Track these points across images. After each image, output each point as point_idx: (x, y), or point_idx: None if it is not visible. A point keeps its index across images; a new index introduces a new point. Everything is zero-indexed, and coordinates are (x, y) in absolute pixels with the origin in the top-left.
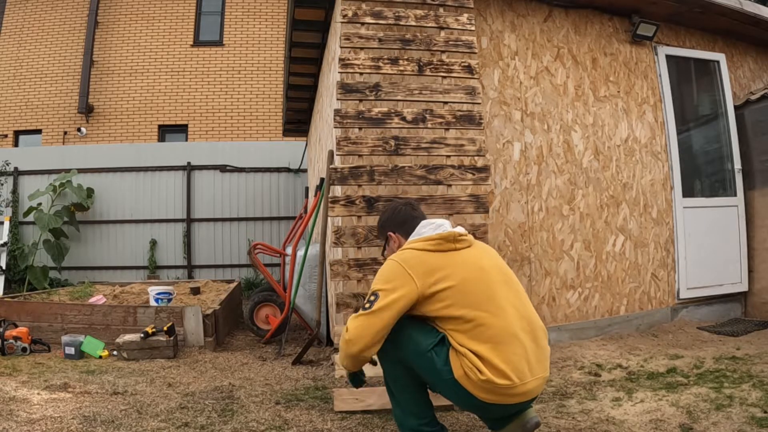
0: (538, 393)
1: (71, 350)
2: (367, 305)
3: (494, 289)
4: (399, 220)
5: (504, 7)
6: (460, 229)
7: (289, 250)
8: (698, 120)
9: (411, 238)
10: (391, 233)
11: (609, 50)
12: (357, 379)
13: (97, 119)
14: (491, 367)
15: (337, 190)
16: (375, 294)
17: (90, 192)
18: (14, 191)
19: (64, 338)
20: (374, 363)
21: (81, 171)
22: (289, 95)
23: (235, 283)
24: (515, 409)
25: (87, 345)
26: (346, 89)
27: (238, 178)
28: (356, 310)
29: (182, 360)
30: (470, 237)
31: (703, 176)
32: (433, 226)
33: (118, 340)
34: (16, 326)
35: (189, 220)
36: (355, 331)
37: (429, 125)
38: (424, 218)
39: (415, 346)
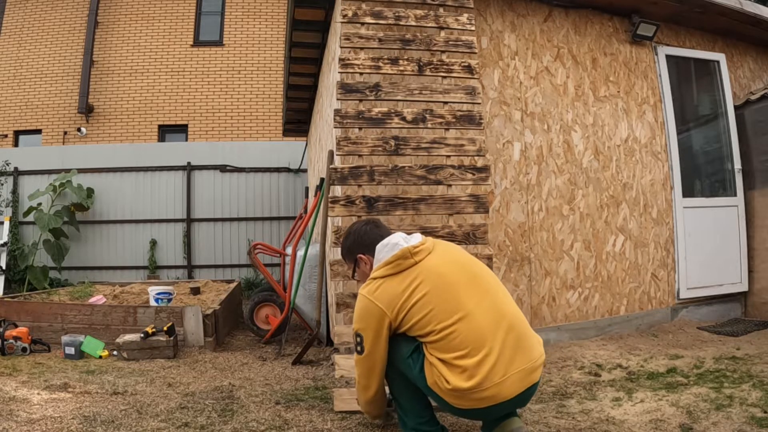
0: (523, 386)
1: (71, 350)
2: (359, 348)
3: (457, 293)
4: (367, 242)
5: (504, 7)
6: (415, 240)
7: (289, 250)
8: (698, 120)
9: (374, 265)
10: (361, 255)
11: (609, 50)
12: (388, 416)
13: (97, 119)
14: (459, 372)
15: (337, 190)
16: (359, 335)
17: (90, 192)
18: (14, 191)
19: (64, 338)
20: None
21: (81, 171)
22: (289, 95)
23: (235, 283)
24: (503, 410)
25: (87, 345)
26: (346, 89)
27: (238, 178)
28: None
29: (182, 360)
30: (429, 243)
31: (703, 176)
32: (388, 248)
33: (118, 340)
34: (16, 326)
35: (189, 220)
36: (362, 378)
37: (429, 125)
38: (387, 235)
39: (398, 353)
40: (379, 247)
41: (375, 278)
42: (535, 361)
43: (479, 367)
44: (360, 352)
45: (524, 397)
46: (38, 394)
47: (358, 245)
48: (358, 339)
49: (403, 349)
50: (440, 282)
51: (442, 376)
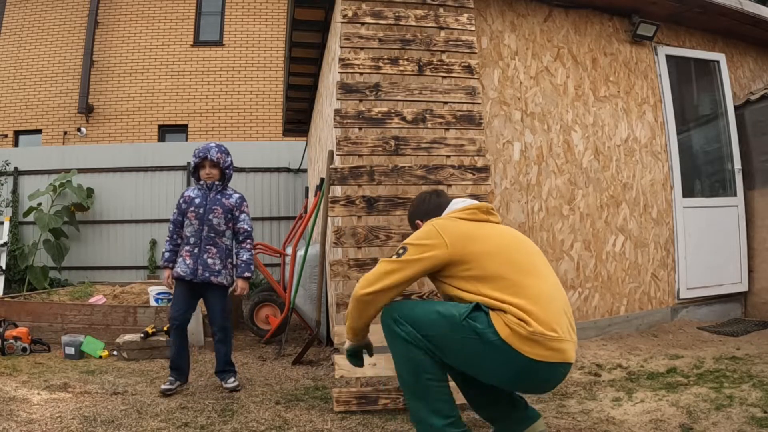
0: (572, 359)
1: (71, 350)
2: (394, 256)
3: (531, 256)
4: (426, 209)
5: (504, 7)
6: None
7: (289, 250)
8: (698, 120)
9: (445, 214)
10: (419, 221)
11: (609, 50)
12: (358, 357)
13: (97, 119)
14: (536, 318)
15: (337, 190)
16: (404, 248)
17: (90, 192)
18: (14, 191)
19: (64, 338)
20: (370, 354)
21: (81, 171)
22: (289, 95)
23: None
24: (561, 375)
25: (87, 345)
26: (346, 89)
27: (238, 178)
28: None
29: None
30: (499, 217)
31: (703, 176)
32: (464, 203)
33: (118, 340)
34: (16, 326)
35: None
36: (378, 273)
37: (429, 125)
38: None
39: (448, 319)
40: (454, 201)
41: (446, 218)
42: (576, 345)
43: (555, 317)
44: (393, 258)
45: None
46: (38, 394)
47: (419, 212)
48: (401, 250)
49: (456, 313)
50: (519, 244)
51: (521, 321)
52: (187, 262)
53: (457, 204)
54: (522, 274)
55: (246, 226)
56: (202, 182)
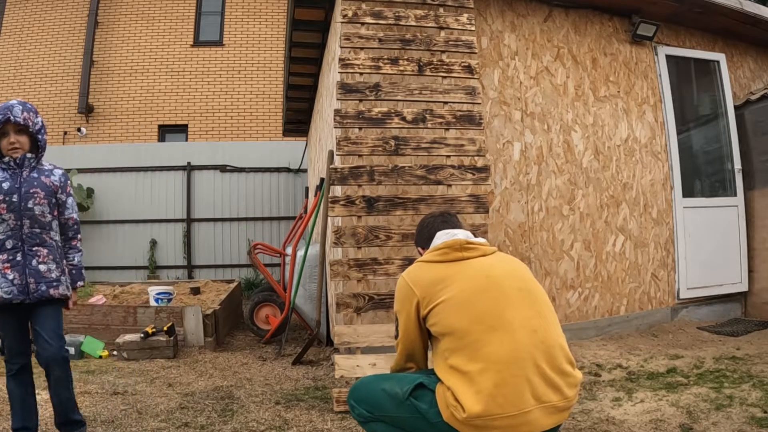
0: (549, 424)
1: (71, 350)
2: (395, 332)
3: (500, 301)
4: (425, 235)
5: (504, 7)
6: (473, 238)
7: (289, 250)
8: (698, 120)
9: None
10: (420, 249)
11: (609, 50)
12: None
13: (97, 119)
14: (480, 391)
15: (337, 190)
16: (396, 317)
17: (90, 192)
18: None
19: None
20: None
21: (81, 171)
22: (289, 95)
23: (235, 283)
24: None
25: (87, 345)
26: (346, 89)
27: (238, 178)
28: (356, 310)
29: (182, 360)
30: (486, 247)
31: (703, 176)
32: (446, 236)
33: (118, 340)
34: None
35: (189, 220)
36: (399, 360)
37: (429, 125)
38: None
39: (392, 398)
40: (439, 234)
41: (419, 261)
42: (564, 398)
43: (510, 387)
44: (396, 336)
45: None
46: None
47: (418, 237)
48: (396, 322)
49: (399, 391)
50: (485, 283)
51: (458, 404)
52: (10, 277)
53: (438, 240)
54: (484, 328)
55: (76, 216)
56: (6, 159)
